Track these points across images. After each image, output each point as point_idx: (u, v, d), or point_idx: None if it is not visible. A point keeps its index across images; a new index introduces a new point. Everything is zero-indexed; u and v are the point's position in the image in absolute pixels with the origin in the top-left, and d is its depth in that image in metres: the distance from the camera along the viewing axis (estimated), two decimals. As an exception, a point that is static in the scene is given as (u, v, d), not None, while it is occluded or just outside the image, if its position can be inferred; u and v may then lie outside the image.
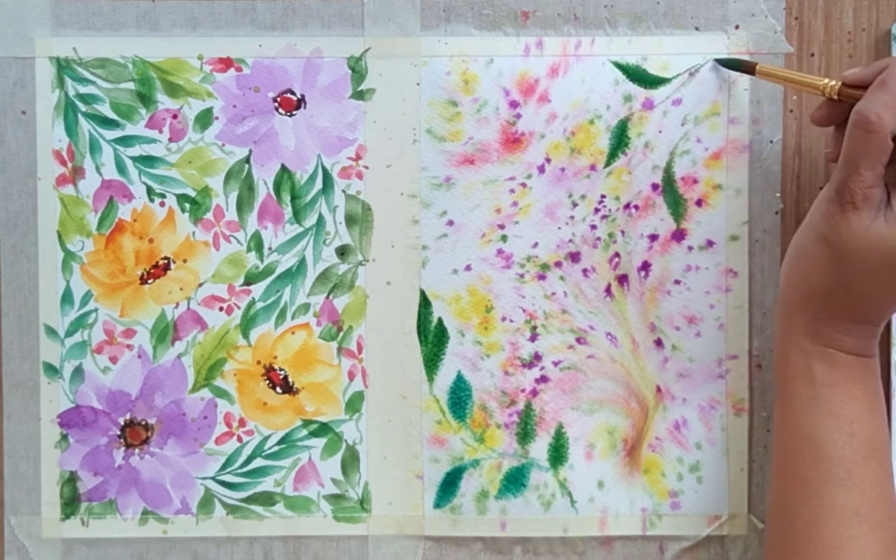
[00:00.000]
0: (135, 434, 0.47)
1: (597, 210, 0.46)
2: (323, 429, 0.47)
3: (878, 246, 0.37)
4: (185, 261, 0.47)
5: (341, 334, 0.47)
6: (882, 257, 0.37)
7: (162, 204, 0.47)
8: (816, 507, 0.39)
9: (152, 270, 0.47)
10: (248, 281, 0.47)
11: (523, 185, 0.46)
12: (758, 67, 0.44)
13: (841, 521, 0.38)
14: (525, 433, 0.47)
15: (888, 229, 0.37)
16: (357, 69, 0.47)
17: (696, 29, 0.46)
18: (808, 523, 0.39)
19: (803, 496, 0.39)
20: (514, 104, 0.46)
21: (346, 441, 0.47)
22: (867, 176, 0.37)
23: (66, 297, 0.47)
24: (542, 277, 0.47)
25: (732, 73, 0.46)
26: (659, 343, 0.47)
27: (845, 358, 0.40)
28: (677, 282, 0.46)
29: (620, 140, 0.46)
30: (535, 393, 0.47)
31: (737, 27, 0.46)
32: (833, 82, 0.41)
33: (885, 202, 0.38)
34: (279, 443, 0.47)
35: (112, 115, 0.47)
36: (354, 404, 0.47)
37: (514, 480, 0.47)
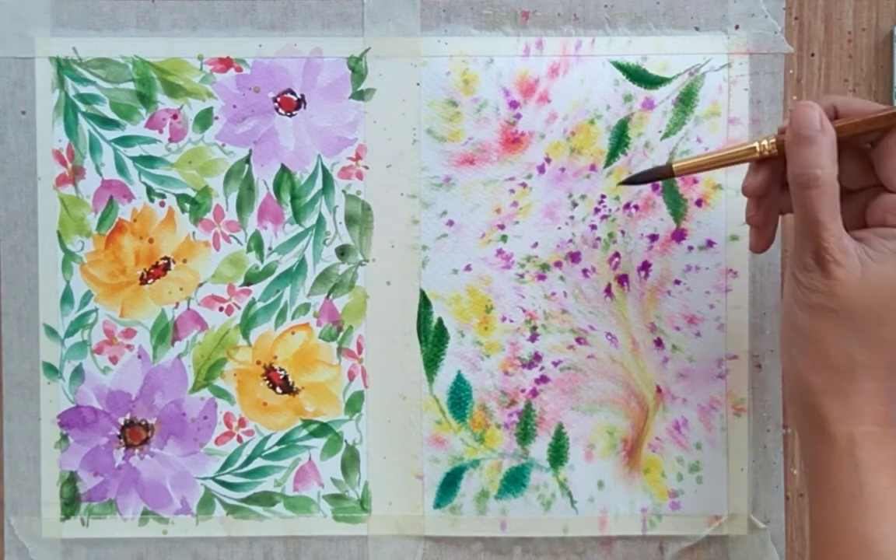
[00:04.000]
0: (135, 434, 0.47)
1: (597, 210, 0.46)
2: (323, 429, 0.47)
3: (878, 287, 0.36)
4: (185, 261, 0.47)
5: (341, 334, 0.47)
6: (886, 295, 0.36)
7: (162, 204, 0.47)
8: None
9: (152, 270, 0.47)
10: (248, 281, 0.47)
11: (523, 185, 0.46)
12: (674, 166, 0.41)
13: None
14: (525, 433, 0.47)
15: (878, 266, 0.36)
16: (357, 69, 0.47)
17: (696, 29, 0.46)
18: None
19: None
20: (514, 104, 0.46)
21: (346, 441, 0.47)
22: (834, 228, 0.36)
23: (66, 297, 0.47)
24: (542, 277, 0.47)
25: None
26: (659, 343, 0.47)
27: (881, 433, 0.37)
28: (677, 282, 0.46)
29: (620, 140, 0.46)
30: (535, 393, 0.47)
31: (737, 27, 0.46)
32: (766, 140, 0.39)
33: (859, 245, 0.37)
34: (279, 443, 0.47)
35: (112, 116, 0.47)
36: (354, 404, 0.47)
37: (514, 480, 0.47)
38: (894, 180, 0.37)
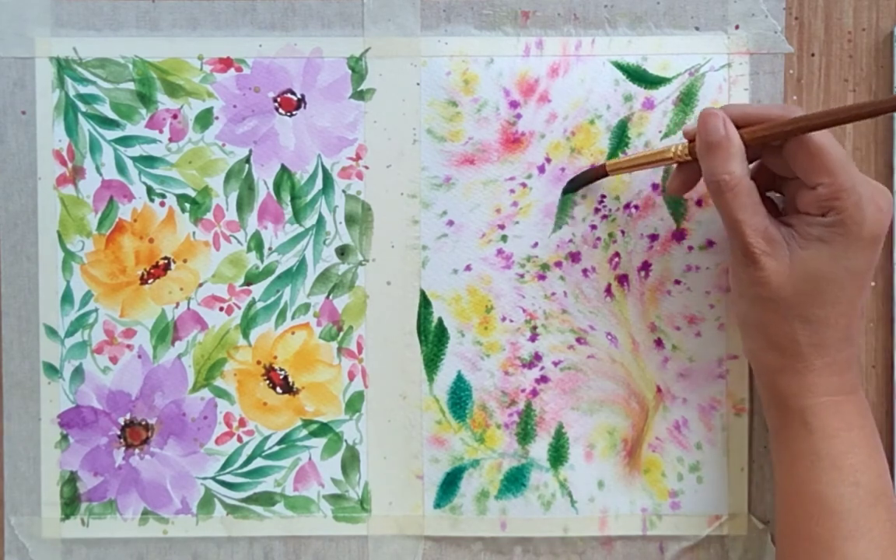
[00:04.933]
0: (135, 434, 0.47)
1: (597, 210, 0.46)
2: (323, 429, 0.47)
3: (807, 272, 0.38)
4: (185, 261, 0.47)
5: (341, 334, 0.47)
6: (817, 279, 0.38)
7: (162, 204, 0.47)
8: None
9: (152, 270, 0.47)
10: (249, 281, 0.47)
11: (523, 185, 0.46)
12: (607, 166, 0.44)
13: None
14: (525, 433, 0.47)
15: (805, 252, 0.38)
16: (357, 69, 0.47)
17: (696, 29, 0.46)
18: None
19: (813, 554, 0.39)
20: (514, 104, 0.46)
21: (346, 441, 0.47)
22: (755, 221, 0.38)
23: (66, 297, 0.47)
24: (542, 277, 0.47)
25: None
26: (659, 343, 0.47)
27: (836, 401, 0.40)
28: (677, 282, 0.46)
29: (621, 140, 0.46)
30: (535, 393, 0.47)
31: (737, 27, 0.46)
32: (679, 145, 0.41)
33: (790, 232, 0.39)
34: (279, 443, 0.47)
35: (112, 115, 0.47)
36: (354, 404, 0.47)
37: (515, 480, 0.47)
38: (804, 175, 0.38)
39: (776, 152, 0.40)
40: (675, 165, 0.43)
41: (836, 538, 0.39)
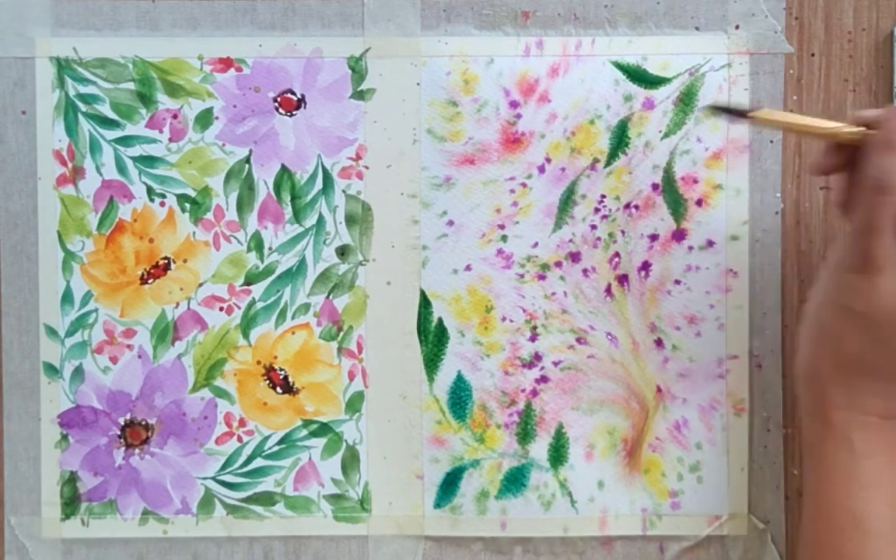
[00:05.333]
0: (135, 434, 0.47)
1: (597, 210, 0.46)
2: (323, 429, 0.47)
3: None
4: (185, 261, 0.47)
5: (341, 334, 0.47)
6: None
7: (162, 204, 0.47)
8: None
9: (152, 270, 0.47)
10: (249, 281, 0.47)
11: (523, 185, 0.46)
12: (756, 114, 0.41)
13: None
14: (525, 433, 0.47)
15: None
16: (357, 69, 0.47)
17: (696, 29, 0.46)
18: None
19: None
20: (514, 104, 0.46)
21: (346, 441, 0.47)
22: (888, 238, 0.37)
23: (67, 297, 0.47)
24: (542, 277, 0.47)
25: (732, 72, 0.46)
26: (659, 343, 0.47)
27: (880, 423, 0.39)
28: (677, 282, 0.46)
29: (620, 140, 0.46)
30: (535, 393, 0.47)
31: (737, 27, 0.46)
32: (854, 129, 0.39)
33: None
34: (279, 443, 0.47)
35: (112, 115, 0.47)
36: (354, 404, 0.47)
37: (515, 480, 0.47)
38: None
39: None
40: (828, 145, 0.40)
41: (866, 556, 0.38)
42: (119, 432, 0.47)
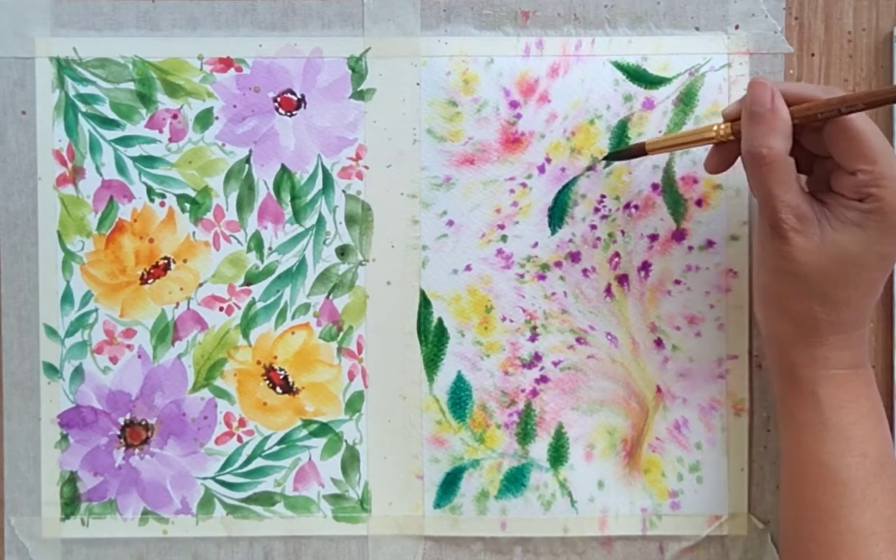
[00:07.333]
0: (135, 434, 0.47)
1: (597, 210, 0.46)
2: (323, 429, 0.47)
3: (837, 253, 0.38)
4: (185, 261, 0.47)
5: (341, 334, 0.47)
6: (845, 261, 0.38)
7: (162, 204, 0.47)
8: (833, 531, 0.39)
9: (152, 270, 0.47)
10: (249, 281, 0.47)
11: (523, 185, 0.46)
12: (647, 144, 0.43)
13: (858, 543, 0.39)
14: (525, 433, 0.47)
15: (837, 234, 0.38)
16: (357, 69, 0.47)
17: (696, 29, 0.46)
18: (825, 547, 0.39)
19: (819, 521, 0.39)
20: (514, 104, 0.46)
21: (346, 441, 0.47)
22: (788, 198, 0.38)
23: (66, 297, 0.47)
24: (542, 277, 0.47)
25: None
26: (659, 343, 0.47)
27: (845, 374, 0.40)
28: (677, 282, 0.46)
29: (620, 140, 0.46)
30: (535, 393, 0.47)
31: (737, 27, 0.46)
32: (722, 124, 0.41)
33: (822, 210, 0.39)
34: (279, 443, 0.47)
35: (112, 115, 0.47)
36: (354, 404, 0.47)
37: (514, 480, 0.47)
38: (844, 160, 0.38)
39: (814, 132, 0.40)
40: (712, 145, 0.42)
41: (843, 507, 0.39)
42: (119, 432, 0.47)
